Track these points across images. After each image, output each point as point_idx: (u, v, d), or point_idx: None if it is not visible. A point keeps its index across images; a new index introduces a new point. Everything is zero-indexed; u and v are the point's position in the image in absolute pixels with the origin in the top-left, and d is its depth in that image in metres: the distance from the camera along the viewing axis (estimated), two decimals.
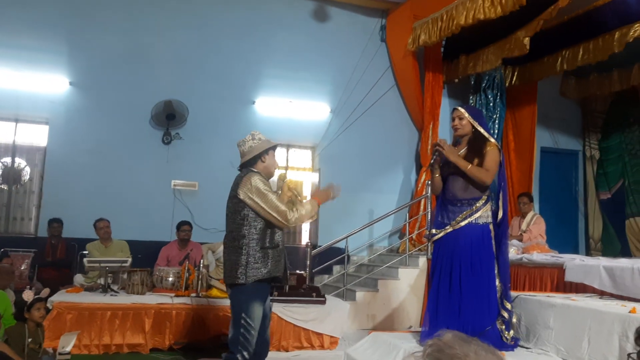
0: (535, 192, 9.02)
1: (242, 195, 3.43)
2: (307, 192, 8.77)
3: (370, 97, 8.59)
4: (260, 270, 3.46)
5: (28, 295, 4.01)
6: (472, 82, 8.91)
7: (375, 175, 8.66)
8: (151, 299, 5.44)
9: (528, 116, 8.79)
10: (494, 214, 3.89)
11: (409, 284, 7.20)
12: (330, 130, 8.61)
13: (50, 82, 7.69)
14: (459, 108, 4.04)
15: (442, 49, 8.65)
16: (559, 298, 4.24)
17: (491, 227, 3.86)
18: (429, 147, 8.42)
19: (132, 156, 7.83)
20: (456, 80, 8.77)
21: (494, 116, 8.80)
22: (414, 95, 8.58)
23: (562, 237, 8.91)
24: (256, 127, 8.39)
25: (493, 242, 3.85)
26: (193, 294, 5.58)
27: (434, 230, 4.01)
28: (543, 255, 5.94)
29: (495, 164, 3.83)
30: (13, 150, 7.81)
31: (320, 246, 7.78)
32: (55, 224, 7.06)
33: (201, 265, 5.81)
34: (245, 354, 3.43)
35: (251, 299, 3.46)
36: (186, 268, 5.89)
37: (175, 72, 8.08)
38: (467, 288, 3.73)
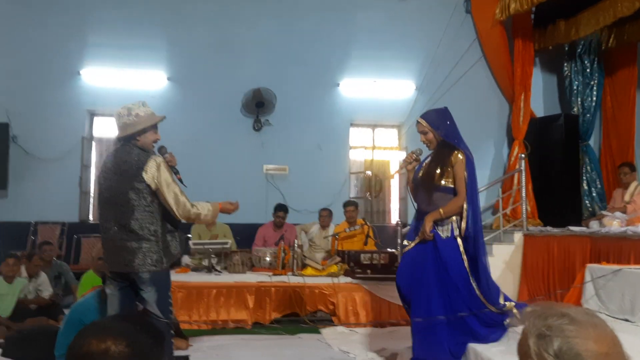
0: (639, 161, 8.46)
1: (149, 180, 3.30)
2: (393, 171, 8.80)
3: (457, 71, 8.41)
4: None
5: None
6: (567, 49, 8.45)
7: None
8: (251, 278, 5.81)
9: (628, 80, 8.22)
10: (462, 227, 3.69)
11: (504, 260, 7.06)
12: (416, 107, 8.52)
13: (149, 79, 8.20)
14: (420, 121, 3.93)
15: (532, 16, 8.28)
16: None
17: (459, 240, 3.69)
18: (519, 121, 8.15)
19: (226, 144, 8.22)
20: (550, 48, 8.36)
21: (592, 83, 8.32)
22: (504, 66, 8.31)
23: None
24: (342, 108, 8.61)
25: (464, 257, 3.68)
26: (289, 273, 5.90)
27: (405, 242, 3.98)
28: None
29: (464, 180, 3.72)
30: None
31: (409, 224, 7.80)
32: None
33: (296, 246, 6.08)
34: None
35: None
36: (282, 248, 6.18)
37: (261, 60, 8.35)
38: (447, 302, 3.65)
